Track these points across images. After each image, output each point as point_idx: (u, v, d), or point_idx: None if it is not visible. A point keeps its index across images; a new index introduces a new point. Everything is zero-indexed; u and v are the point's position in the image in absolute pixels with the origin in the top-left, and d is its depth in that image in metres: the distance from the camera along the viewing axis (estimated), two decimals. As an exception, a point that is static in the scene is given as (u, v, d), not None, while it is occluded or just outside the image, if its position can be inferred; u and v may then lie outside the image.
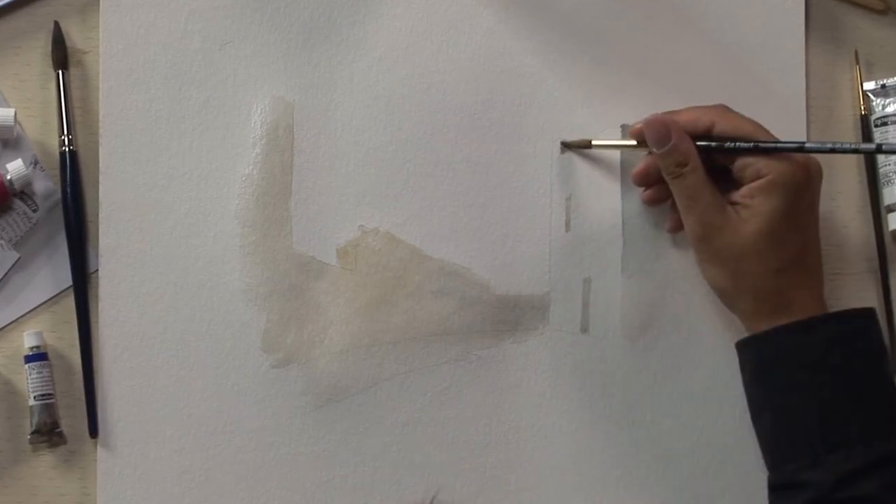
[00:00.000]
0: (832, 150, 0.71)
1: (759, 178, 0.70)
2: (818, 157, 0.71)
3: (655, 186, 0.75)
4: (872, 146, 0.74)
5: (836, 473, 0.67)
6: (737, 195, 0.71)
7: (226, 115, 0.77)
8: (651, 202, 0.76)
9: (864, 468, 0.67)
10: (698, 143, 0.71)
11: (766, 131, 0.71)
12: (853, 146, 0.73)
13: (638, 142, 0.74)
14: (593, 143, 0.76)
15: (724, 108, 0.72)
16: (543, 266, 0.77)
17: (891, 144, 0.76)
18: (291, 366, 0.76)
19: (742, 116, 0.72)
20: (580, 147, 0.77)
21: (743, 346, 0.72)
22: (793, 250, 0.70)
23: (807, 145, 0.70)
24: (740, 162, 0.71)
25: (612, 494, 0.76)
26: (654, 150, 0.72)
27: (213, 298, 0.76)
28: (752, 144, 0.70)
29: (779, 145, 0.70)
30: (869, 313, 0.71)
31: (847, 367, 0.69)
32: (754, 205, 0.69)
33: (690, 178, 0.71)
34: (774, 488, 0.70)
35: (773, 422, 0.70)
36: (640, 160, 0.75)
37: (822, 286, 0.72)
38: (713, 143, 0.71)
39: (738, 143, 0.71)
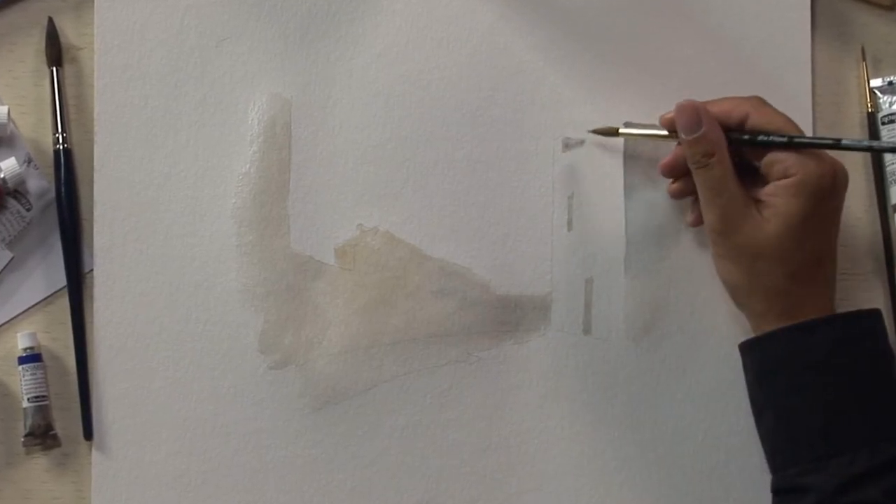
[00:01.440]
0: (870, 149, 0.70)
1: (785, 176, 0.69)
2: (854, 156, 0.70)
3: (682, 179, 0.74)
4: None
5: (839, 477, 0.66)
6: (762, 192, 0.69)
7: (222, 113, 0.76)
8: (677, 195, 0.75)
9: (869, 472, 0.66)
10: (730, 134, 0.70)
11: (799, 129, 0.70)
12: (893, 145, 0.72)
13: (669, 132, 0.72)
14: (620, 131, 0.75)
15: (759, 101, 0.71)
16: (545, 266, 0.77)
17: None
18: (289, 367, 0.75)
19: (776, 111, 0.71)
20: (606, 135, 0.75)
21: (746, 348, 0.71)
22: (810, 255, 0.69)
23: (843, 142, 0.69)
24: (769, 157, 0.70)
25: (615, 497, 0.76)
26: (683, 136, 0.70)
27: (210, 299, 0.75)
28: (785, 138, 0.69)
29: (814, 141, 0.69)
30: (874, 314, 0.70)
31: (852, 368, 0.68)
32: (777, 204, 0.68)
33: (716, 170, 0.69)
34: (777, 492, 0.70)
35: (776, 424, 0.69)
36: (669, 151, 0.73)
37: (834, 291, 0.71)
38: (745, 136, 0.70)
39: (771, 137, 0.69)
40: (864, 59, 0.79)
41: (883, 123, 0.78)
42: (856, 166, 0.78)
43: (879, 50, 0.79)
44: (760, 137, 0.70)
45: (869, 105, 0.78)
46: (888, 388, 0.69)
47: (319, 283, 0.76)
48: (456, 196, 0.77)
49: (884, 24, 0.80)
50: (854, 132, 0.79)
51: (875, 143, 0.70)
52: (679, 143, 0.72)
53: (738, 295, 0.71)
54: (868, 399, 0.68)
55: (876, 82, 0.79)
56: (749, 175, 0.71)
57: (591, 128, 0.76)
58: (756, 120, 0.70)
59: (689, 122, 0.70)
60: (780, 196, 0.68)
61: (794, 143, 0.69)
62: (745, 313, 0.72)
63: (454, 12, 0.77)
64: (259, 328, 0.75)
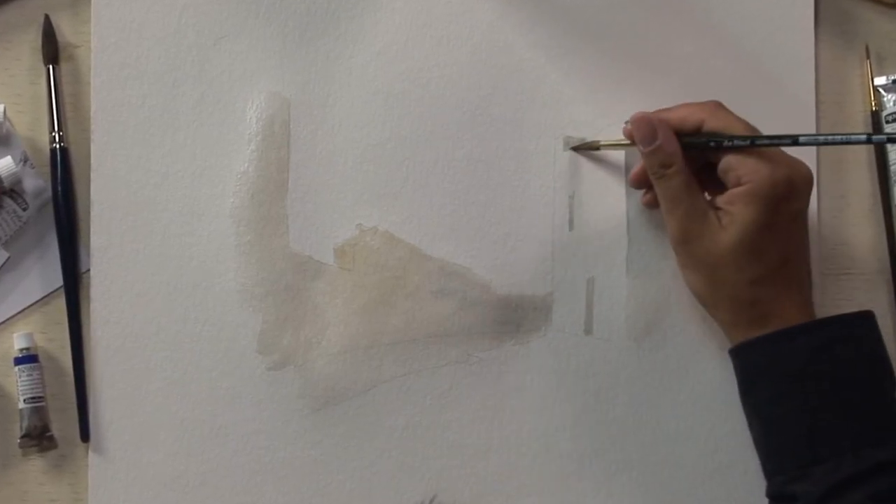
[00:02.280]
0: (826, 143, 0.69)
1: (739, 184, 0.68)
2: (820, 159, 0.69)
3: (653, 190, 0.73)
4: (863, 136, 0.72)
5: (824, 484, 0.66)
6: (719, 199, 0.69)
7: (220, 112, 0.76)
8: (651, 205, 0.75)
9: (853, 478, 0.65)
10: (684, 138, 0.70)
11: (756, 132, 0.69)
12: (849, 138, 0.71)
13: (632, 141, 0.72)
14: (601, 145, 0.75)
15: (716, 106, 0.71)
16: (546, 266, 0.76)
17: (881, 135, 0.74)
18: (288, 368, 0.75)
19: (733, 115, 0.70)
20: (589, 149, 0.76)
21: (732, 354, 0.71)
22: (771, 262, 0.68)
23: (801, 139, 0.68)
24: (724, 164, 0.69)
25: (617, 499, 0.75)
26: (640, 148, 0.70)
27: (208, 299, 0.75)
28: (737, 139, 0.68)
29: (770, 140, 0.68)
30: (861, 318, 0.69)
31: (833, 374, 0.67)
32: (733, 212, 0.68)
33: (674, 180, 0.69)
34: (770, 498, 0.70)
35: (763, 433, 0.69)
36: (639, 162, 0.74)
37: (809, 293, 0.71)
38: (694, 140, 0.70)
39: (718, 140, 0.69)
40: (867, 57, 0.78)
41: (887, 122, 0.78)
42: (860, 166, 0.78)
43: (883, 48, 0.79)
44: (712, 141, 0.69)
45: (873, 103, 0.78)
46: (871, 393, 0.68)
47: (318, 283, 0.76)
48: (456, 196, 0.76)
49: (888, 21, 0.79)
50: (858, 130, 0.78)
51: (831, 137, 0.68)
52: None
53: (705, 304, 0.71)
54: (850, 405, 0.67)
55: (880, 80, 0.78)
56: (715, 180, 0.70)
57: (592, 127, 0.76)
58: (712, 125, 0.70)
59: (644, 134, 0.70)
60: (734, 204, 0.68)
61: (739, 146, 0.68)
62: (716, 322, 0.71)
63: (454, 10, 0.77)
64: (258, 328, 0.75)
